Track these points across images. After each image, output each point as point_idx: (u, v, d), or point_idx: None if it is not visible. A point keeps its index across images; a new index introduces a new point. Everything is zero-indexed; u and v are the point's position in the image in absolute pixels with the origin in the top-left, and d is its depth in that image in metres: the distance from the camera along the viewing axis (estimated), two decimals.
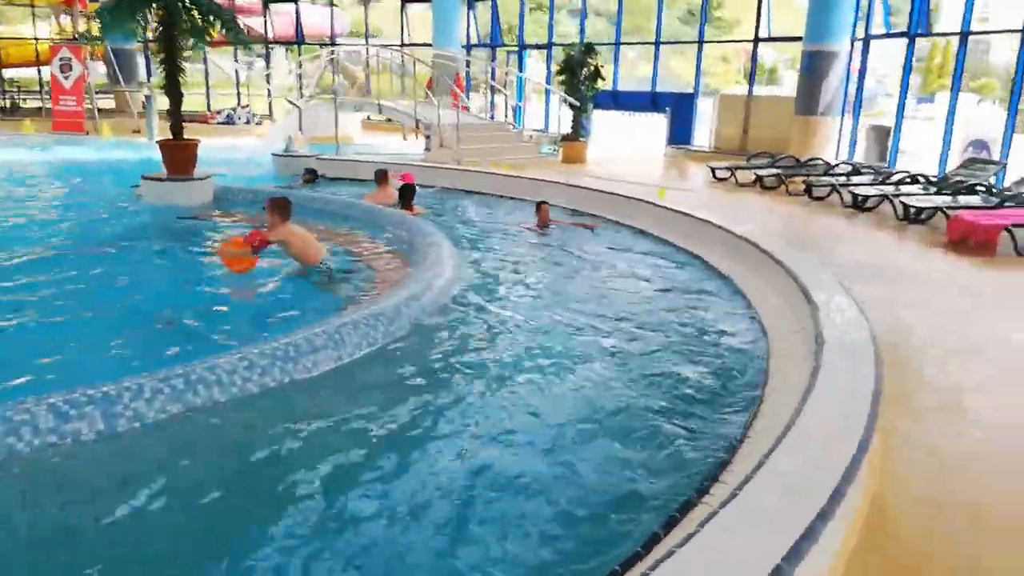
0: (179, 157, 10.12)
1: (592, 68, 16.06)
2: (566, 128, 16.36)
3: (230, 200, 10.29)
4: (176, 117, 10.11)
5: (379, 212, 9.35)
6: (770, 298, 6.18)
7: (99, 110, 21.27)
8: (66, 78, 20.19)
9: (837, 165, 12.70)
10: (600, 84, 16.39)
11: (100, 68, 25.46)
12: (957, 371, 4.90)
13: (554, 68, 18.13)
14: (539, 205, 9.24)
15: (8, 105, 26.06)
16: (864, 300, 5.53)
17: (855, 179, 11.68)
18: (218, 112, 24.70)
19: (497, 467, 3.67)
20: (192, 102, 28.17)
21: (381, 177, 10.77)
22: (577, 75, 16.01)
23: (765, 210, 10.97)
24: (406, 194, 9.87)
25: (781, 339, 5.33)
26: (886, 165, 14.18)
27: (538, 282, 7.08)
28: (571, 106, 16.05)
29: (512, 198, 11.27)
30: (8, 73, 27.80)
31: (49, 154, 16.22)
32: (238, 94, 26.29)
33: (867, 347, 4.45)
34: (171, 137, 10.19)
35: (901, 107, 14.27)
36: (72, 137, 19.37)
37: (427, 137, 15.17)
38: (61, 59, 20.13)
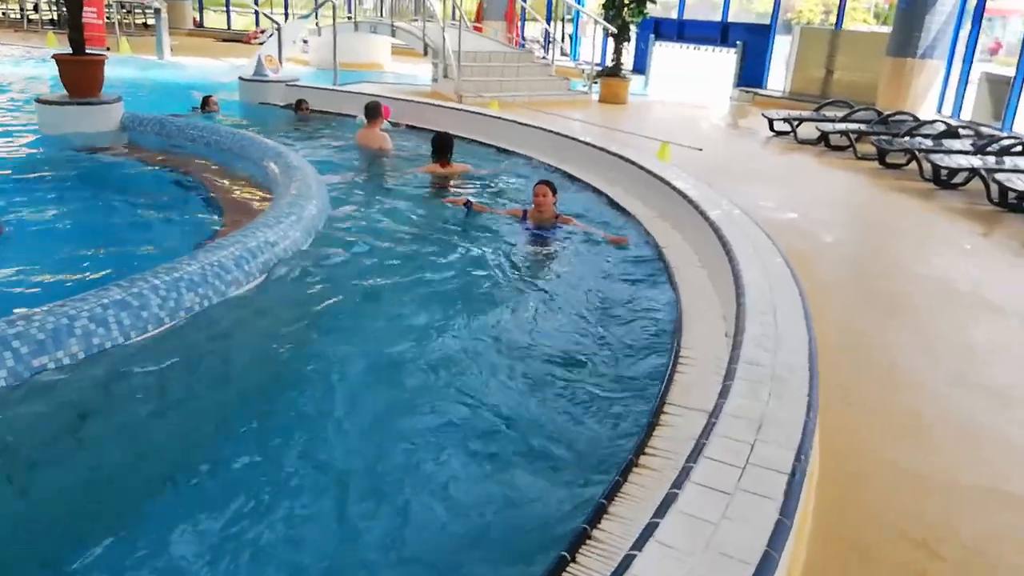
0: (80, 76, 8.36)
1: None
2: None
3: (137, 130, 8.47)
4: (75, 26, 8.30)
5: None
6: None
7: (123, 24, 19.91)
8: None
9: (927, 123, 9.74)
10: (648, 8, 13.58)
11: None
12: None
13: None
14: (537, 186, 5.78)
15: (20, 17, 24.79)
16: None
17: (948, 143, 8.79)
18: (262, 31, 23.12)
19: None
20: (243, 22, 27.11)
21: (371, 112, 8.79)
22: None
23: (805, 178, 8.33)
24: (439, 145, 7.55)
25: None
26: (999, 127, 11.04)
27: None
28: (608, 33, 13.40)
29: (510, 151, 8.86)
30: None
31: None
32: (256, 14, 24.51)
33: None
34: (71, 52, 8.40)
35: None
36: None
37: (434, 65, 12.92)
38: None
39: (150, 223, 5.92)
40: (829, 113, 11.19)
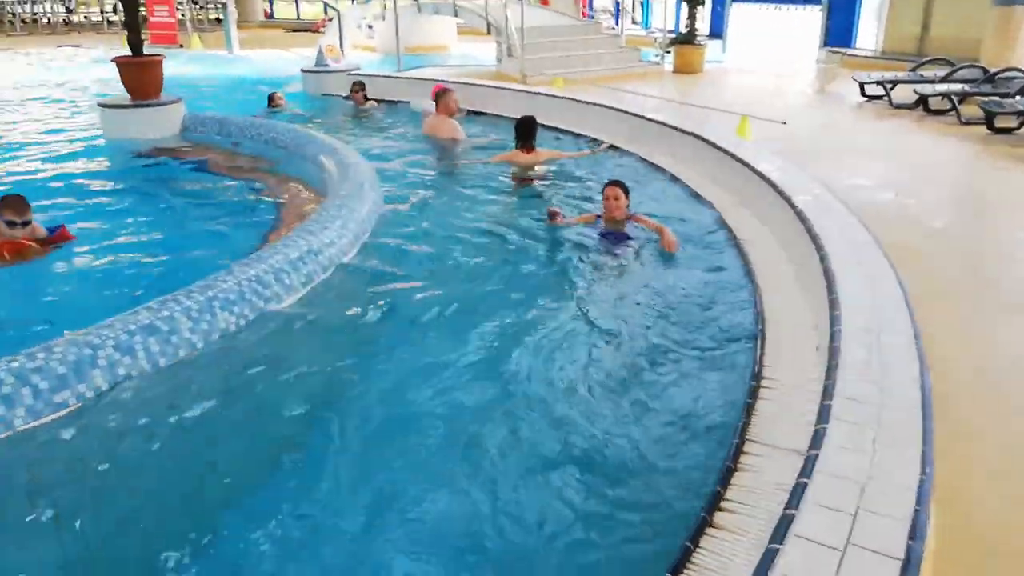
0: (139, 78, 8.31)
1: None
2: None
3: (198, 131, 8.39)
4: (133, 28, 8.25)
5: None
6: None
7: (196, 20, 20.20)
8: None
9: None
10: None
11: None
12: None
13: None
14: (607, 187, 5.18)
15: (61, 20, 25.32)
16: None
17: None
18: (329, 19, 23.11)
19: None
20: (313, 10, 27.20)
21: (438, 97, 8.42)
22: None
23: (904, 150, 7.53)
24: (523, 129, 7.04)
25: None
26: None
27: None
28: None
29: (575, 133, 8.33)
30: None
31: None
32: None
33: None
34: (130, 54, 8.35)
35: None
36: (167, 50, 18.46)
37: (497, 44, 12.48)
38: None
39: (209, 228, 5.76)
40: (927, 73, 10.20)
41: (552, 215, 5.27)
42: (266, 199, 6.41)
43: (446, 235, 5.34)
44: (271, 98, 10.39)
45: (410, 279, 4.60)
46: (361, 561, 2.43)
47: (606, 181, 5.31)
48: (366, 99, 10.32)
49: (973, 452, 2.83)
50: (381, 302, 4.23)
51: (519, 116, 7.20)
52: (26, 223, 4.67)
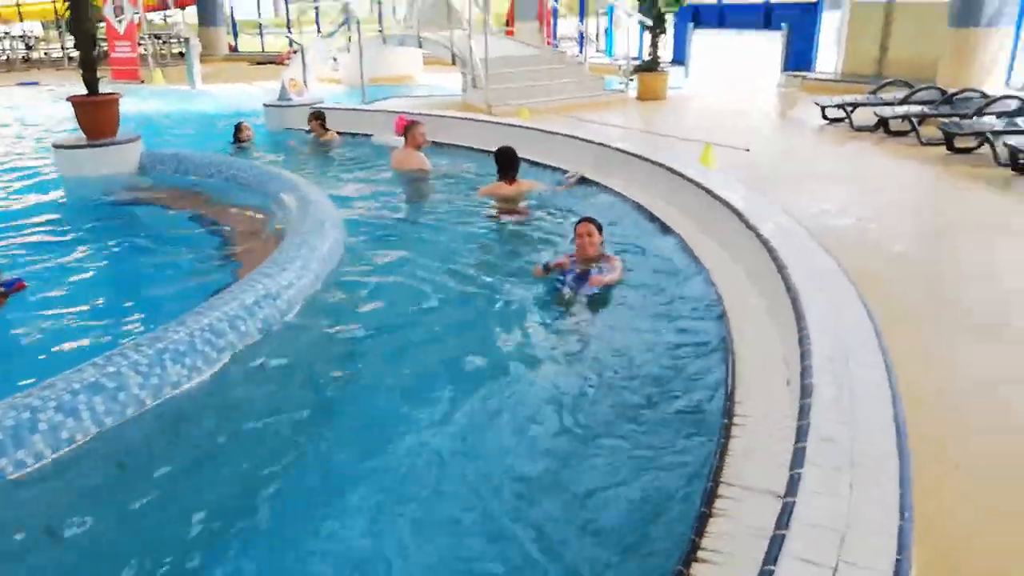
0: (96, 117, 8.16)
1: None
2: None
3: (157, 169, 8.22)
4: (88, 66, 8.08)
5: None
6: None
7: (159, 55, 20.02)
8: (119, 22, 18.91)
9: (997, 100, 8.86)
10: None
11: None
12: None
13: None
14: (580, 224, 5.00)
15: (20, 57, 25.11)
16: None
17: (1022, 122, 7.95)
18: (294, 52, 23.03)
19: None
20: (279, 44, 27.13)
21: (406, 130, 8.28)
22: None
23: (866, 173, 7.60)
24: (504, 160, 6.93)
25: None
26: None
27: None
28: (644, 26, 12.78)
29: (541, 164, 8.23)
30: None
31: None
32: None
33: None
34: (86, 92, 8.19)
35: None
36: (127, 85, 18.23)
37: (463, 75, 12.48)
38: (114, 1, 18.83)
39: (166, 272, 5.61)
40: (887, 95, 10.36)
41: (547, 269, 4.93)
42: (227, 238, 6.26)
43: (417, 273, 5.23)
44: (238, 129, 10.17)
45: (375, 321, 4.49)
46: None
47: (578, 218, 5.09)
48: (325, 129, 10.18)
49: (949, 480, 2.76)
50: (343, 345, 4.11)
51: (491, 148, 7.18)
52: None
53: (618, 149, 7.51)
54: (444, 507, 2.82)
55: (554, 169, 7.95)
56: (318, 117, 10.19)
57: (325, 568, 2.56)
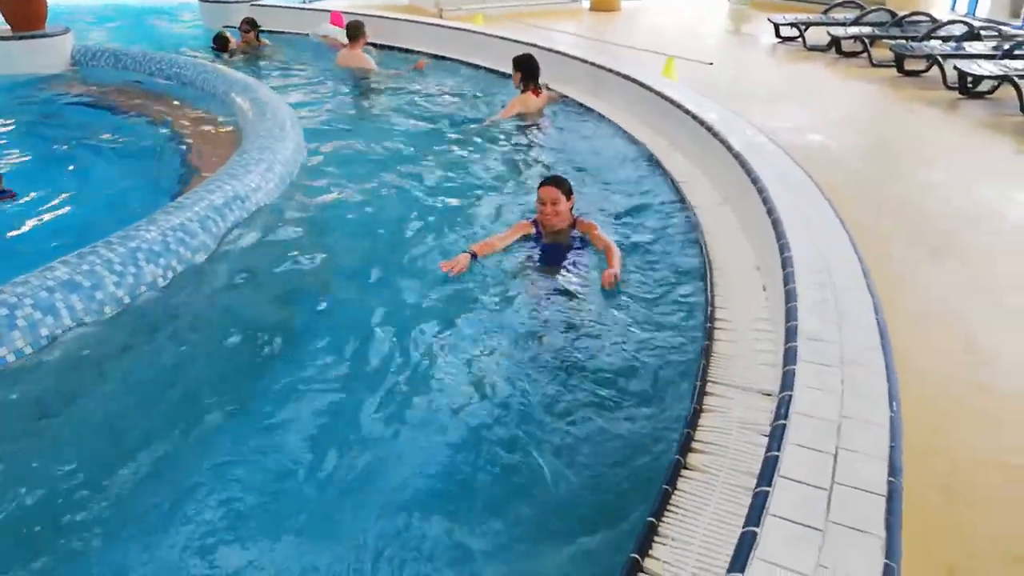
0: (19, 7, 7.53)
1: None
2: None
3: (90, 64, 7.72)
4: None
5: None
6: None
7: None
8: None
9: (945, 24, 9.04)
10: None
11: None
12: None
13: None
14: (542, 188, 3.98)
15: None
16: None
17: (969, 46, 8.15)
18: None
19: None
20: None
21: (353, 31, 8.09)
22: None
23: (821, 92, 7.72)
24: (529, 67, 6.32)
25: None
26: (1020, 26, 10.33)
27: None
28: None
29: (499, 72, 7.99)
30: None
31: None
32: None
33: None
34: None
35: None
36: None
37: None
38: None
39: (111, 174, 5.33)
40: (839, 16, 10.44)
41: (473, 256, 3.88)
42: (167, 138, 5.97)
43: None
44: (220, 40, 9.04)
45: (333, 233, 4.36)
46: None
47: (541, 179, 4.12)
48: (258, 39, 9.32)
49: (926, 381, 2.94)
50: (302, 257, 3.99)
51: (445, 53, 6.95)
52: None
53: (579, 58, 7.40)
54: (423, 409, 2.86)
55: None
56: (250, 24, 9.28)
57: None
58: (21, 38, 7.57)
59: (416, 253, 4.06)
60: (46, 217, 4.46)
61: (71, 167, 5.36)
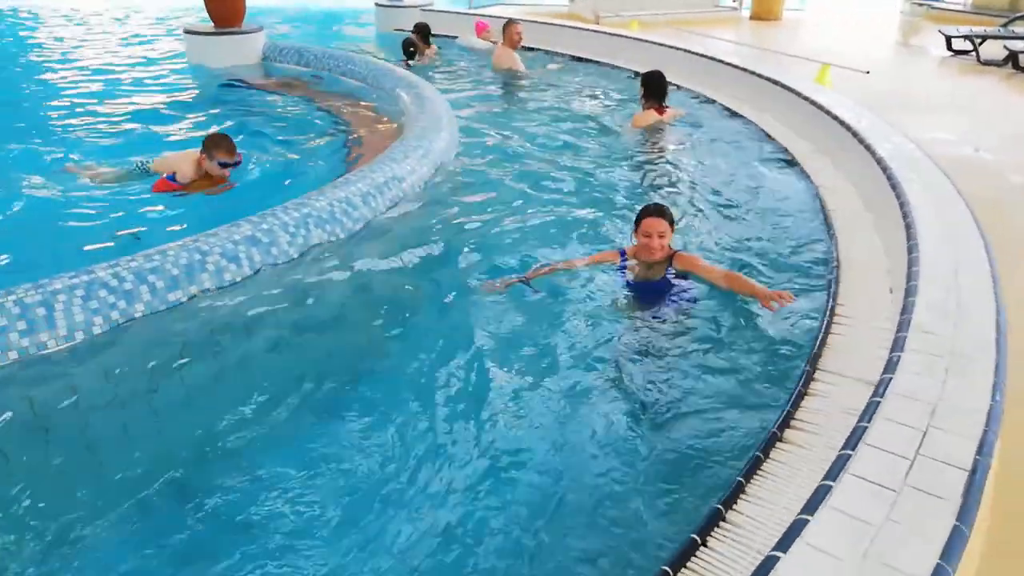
0: (224, 6, 8.50)
1: None
2: None
3: (277, 61, 8.59)
4: None
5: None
6: None
7: None
8: None
9: None
10: None
11: None
12: None
13: None
14: (647, 219, 3.60)
15: None
16: None
17: None
18: None
19: None
20: None
21: (504, 29, 8.65)
22: None
23: (990, 107, 7.32)
24: (655, 85, 6.28)
25: None
26: None
27: None
28: None
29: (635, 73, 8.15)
30: None
31: None
32: None
33: None
34: None
35: None
36: None
37: None
38: None
39: (288, 158, 5.95)
40: (1019, 29, 9.80)
41: (524, 282, 3.67)
42: (346, 130, 6.58)
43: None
44: (410, 46, 8.90)
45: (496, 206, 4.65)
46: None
47: (642, 208, 3.72)
48: (428, 45, 9.30)
49: None
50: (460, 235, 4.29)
51: (594, 57, 7.20)
52: (237, 163, 4.85)
53: (727, 63, 7.45)
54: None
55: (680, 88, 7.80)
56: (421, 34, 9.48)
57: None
58: (221, 34, 8.54)
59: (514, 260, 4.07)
60: (239, 184, 5.08)
61: (260, 146, 6.05)
